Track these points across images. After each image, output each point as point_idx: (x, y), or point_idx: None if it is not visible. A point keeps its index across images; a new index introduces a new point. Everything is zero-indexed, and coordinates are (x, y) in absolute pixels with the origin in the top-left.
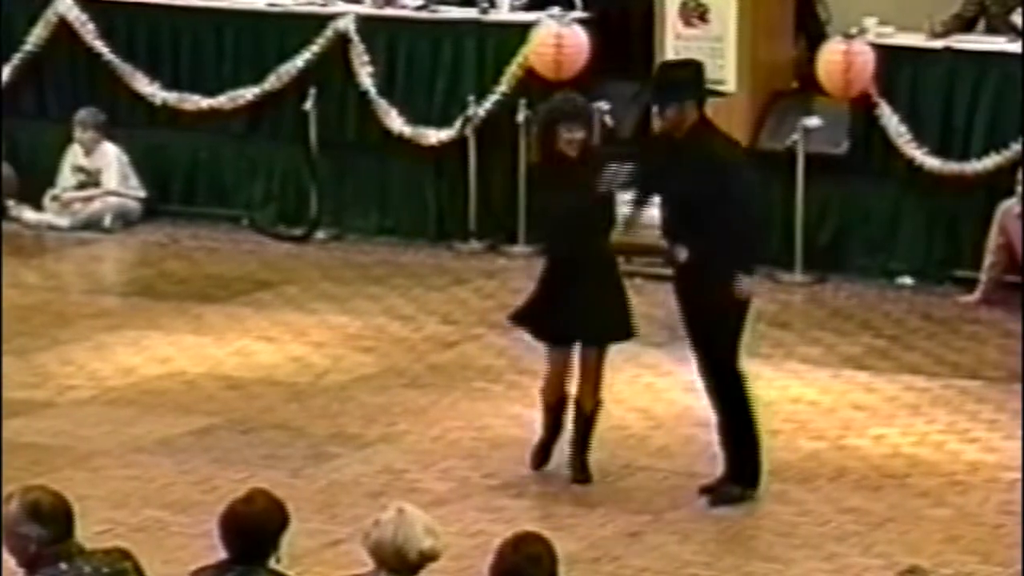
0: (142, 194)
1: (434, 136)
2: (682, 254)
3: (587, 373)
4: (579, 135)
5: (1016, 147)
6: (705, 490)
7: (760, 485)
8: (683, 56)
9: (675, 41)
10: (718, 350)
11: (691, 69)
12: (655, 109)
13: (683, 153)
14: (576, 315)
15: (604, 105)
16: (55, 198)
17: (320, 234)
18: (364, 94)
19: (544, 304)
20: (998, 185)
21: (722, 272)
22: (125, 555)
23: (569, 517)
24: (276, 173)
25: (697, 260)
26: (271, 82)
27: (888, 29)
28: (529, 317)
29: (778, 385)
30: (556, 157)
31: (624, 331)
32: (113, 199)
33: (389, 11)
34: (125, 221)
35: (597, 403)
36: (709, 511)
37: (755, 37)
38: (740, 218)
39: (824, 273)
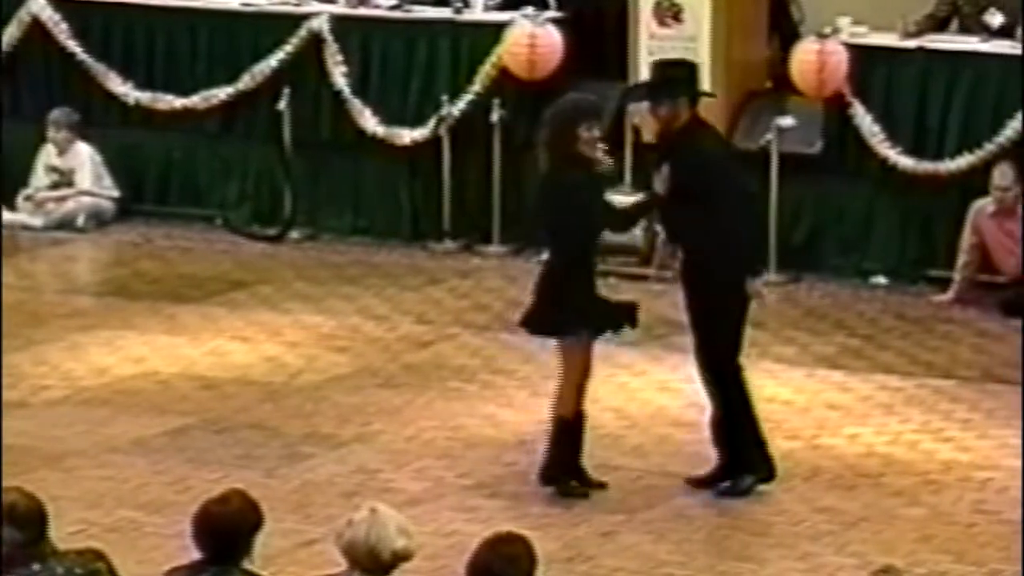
0: (116, 194)
1: (408, 136)
2: (680, 253)
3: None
4: (598, 133)
5: (989, 147)
6: (695, 482)
7: (775, 477)
8: (657, 56)
9: (649, 41)
10: (720, 346)
11: (685, 68)
12: (649, 106)
13: (677, 151)
14: (612, 306)
15: None
16: (28, 198)
17: (294, 234)
18: (338, 94)
19: (586, 302)
20: (971, 184)
21: (725, 269)
22: (98, 556)
23: (543, 517)
24: (250, 173)
25: (699, 257)
26: (245, 82)
27: (861, 29)
28: (578, 319)
29: (752, 385)
30: (575, 158)
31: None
32: (87, 199)
33: (363, 11)
34: (99, 221)
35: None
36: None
37: (729, 37)
38: (738, 215)
39: (798, 272)
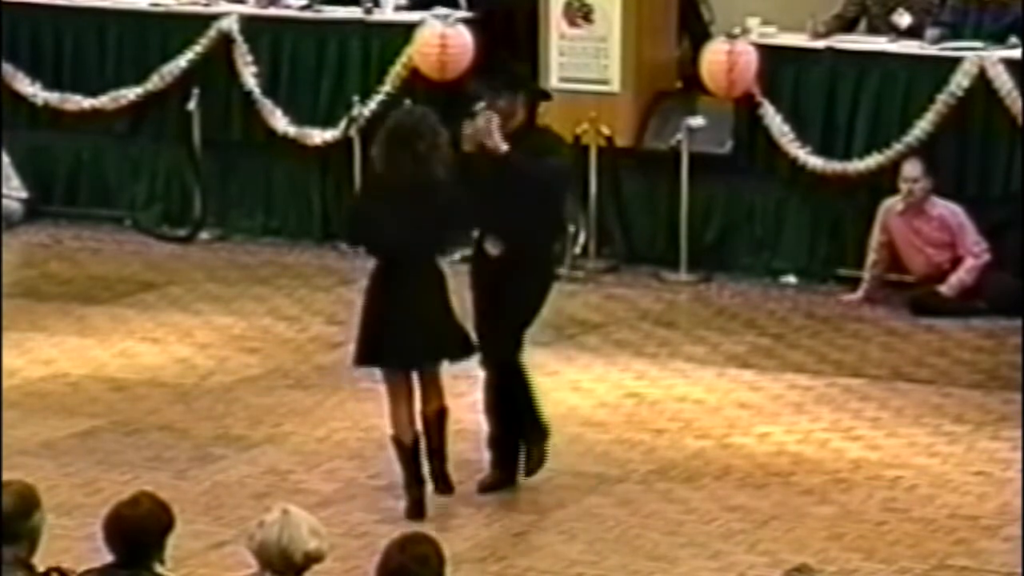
0: (24, 195)
1: (319, 136)
2: (496, 247)
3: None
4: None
5: (897, 146)
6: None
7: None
8: (568, 57)
9: (559, 41)
10: (515, 340)
11: (526, 67)
12: (485, 100)
13: (514, 147)
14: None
15: None
16: None
17: (204, 235)
18: (248, 94)
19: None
20: (880, 184)
21: (533, 262)
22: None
23: (455, 517)
24: (160, 173)
25: (510, 250)
26: (154, 82)
27: (771, 29)
28: None
29: (663, 384)
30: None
31: None
32: None
33: (273, 11)
34: (7, 223)
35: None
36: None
37: (639, 37)
38: (554, 210)
39: (709, 272)
